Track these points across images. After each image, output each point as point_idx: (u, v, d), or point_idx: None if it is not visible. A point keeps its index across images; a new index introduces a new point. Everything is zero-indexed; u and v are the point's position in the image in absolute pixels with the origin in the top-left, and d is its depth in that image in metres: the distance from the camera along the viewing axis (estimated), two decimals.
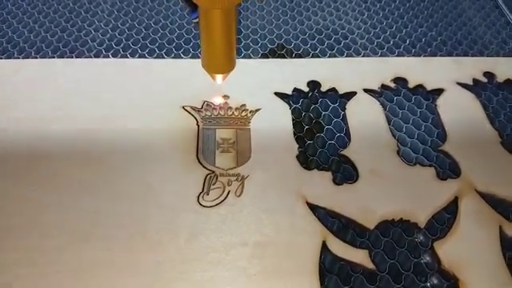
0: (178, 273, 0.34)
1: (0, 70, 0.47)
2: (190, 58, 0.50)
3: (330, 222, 0.37)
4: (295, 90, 0.47)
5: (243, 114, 0.44)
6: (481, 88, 0.48)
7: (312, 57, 0.51)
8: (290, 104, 0.46)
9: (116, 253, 0.35)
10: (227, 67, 0.38)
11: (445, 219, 0.38)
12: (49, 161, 0.40)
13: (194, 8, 0.37)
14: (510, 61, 0.52)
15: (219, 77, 0.39)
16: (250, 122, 0.44)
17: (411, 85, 0.48)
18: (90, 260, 0.34)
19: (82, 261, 0.34)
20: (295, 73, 0.48)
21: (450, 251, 0.37)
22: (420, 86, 0.48)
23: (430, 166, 0.42)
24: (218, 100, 0.45)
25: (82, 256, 0.35)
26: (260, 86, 0.47)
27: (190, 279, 0.34)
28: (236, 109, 0.45)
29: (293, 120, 0.44)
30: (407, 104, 0.46)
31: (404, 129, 0.44)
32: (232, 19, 0.34)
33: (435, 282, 0.35)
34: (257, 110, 0.45)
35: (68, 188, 0.38)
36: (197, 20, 0.38)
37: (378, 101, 0.46)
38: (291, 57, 0.51)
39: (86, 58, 0.49)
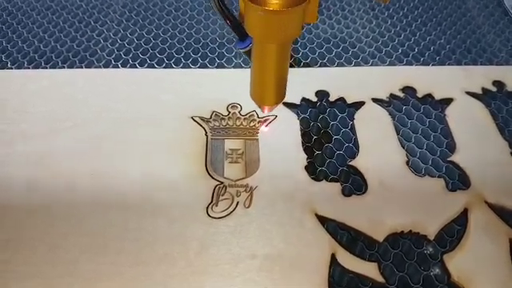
0: (188, 286, 0.34)
1: (10, 81, 0.47)
2: (199, 67, 0.50)
3: (340, 235, 0.37)
4: (303, 99, 0.47)
5: (252, 124, 0.44)
6: (490, 97, 0.48)
7: (320, 66, 0.51)
8: (298, 114, 0.46)
9: (126, 266, 0.35)
10: (277, 99, 0.37)
11: (454, 231, 0.38)
12: (57, 173, 0.40)
13: (243, 37, 0.35)
14: None
15: (267, 108, 0.38)
16: (258, 133, 0.44)
17: (420, 94, 0.48)
18: (101, 273, 0.35)
19: (92, 274, 0.35)
20: (303, 82, 0.48)
21: (460, 264, 0.36)
22: (429, 96, 0.48)
23: (439, 177, 0.41)
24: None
25: (93, 269, 0.35)
26: None
27: None
28: (244, 119, 0.45)
29: (301, 130, 0.44)
30: (416, 114, 0.46)
31: (413, 139, 0.44)
32: (287, 53, 0.32)
33: None
34: (265, 120, 0.45)
35: (77, 200, 0.38)
36: (245, 50, 0.36)
37: (387, 110, 0.46)
38: (299, 66, 0.51)
39: (95, 68, 0.50)
